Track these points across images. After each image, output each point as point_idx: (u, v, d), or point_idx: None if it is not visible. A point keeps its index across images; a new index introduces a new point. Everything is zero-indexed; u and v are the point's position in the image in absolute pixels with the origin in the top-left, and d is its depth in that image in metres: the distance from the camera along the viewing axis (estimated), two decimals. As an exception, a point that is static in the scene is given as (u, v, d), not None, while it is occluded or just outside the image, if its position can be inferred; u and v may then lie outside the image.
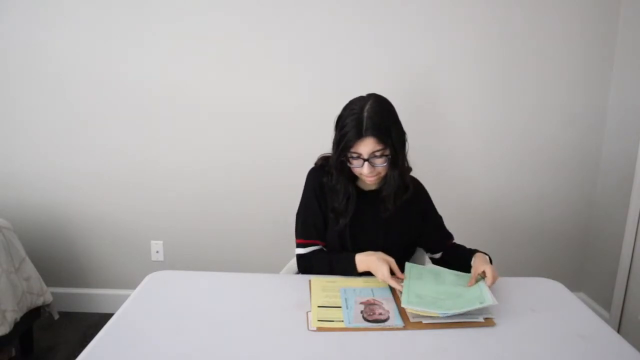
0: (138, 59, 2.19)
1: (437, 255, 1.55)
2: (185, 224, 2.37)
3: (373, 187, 1.43)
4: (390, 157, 1.30)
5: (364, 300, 1.24)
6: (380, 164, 1.30)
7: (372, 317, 1.17)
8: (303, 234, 1.45)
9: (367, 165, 1.29)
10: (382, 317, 1.17)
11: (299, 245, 1.45)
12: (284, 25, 2.16)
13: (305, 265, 1.43)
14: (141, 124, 2.25)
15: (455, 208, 2.33)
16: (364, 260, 1.34)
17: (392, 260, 1.30)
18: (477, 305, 1.13)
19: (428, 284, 1.27)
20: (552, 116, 2.29)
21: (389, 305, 1.22)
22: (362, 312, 1.19)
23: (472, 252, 1.43)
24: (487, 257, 1.39)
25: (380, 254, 1.32)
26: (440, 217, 1.56)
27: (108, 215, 2.36)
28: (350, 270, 1.36)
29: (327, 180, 1.41)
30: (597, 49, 2.22)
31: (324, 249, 1.46)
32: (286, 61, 2.20)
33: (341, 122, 1.31)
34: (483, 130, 2.29)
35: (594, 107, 2.29)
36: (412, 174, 1.49)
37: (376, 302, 1.23)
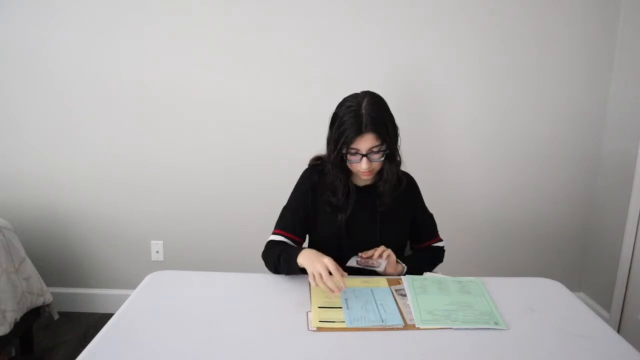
0: (138, 59, 2.19)
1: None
2: (185, 224, 2.37)
3: (367, 183, 1.44)
4: (387, 152, 1.32)
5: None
6: (377, 159, 1.32)
7: (365, 264, 1.36)
8: (281, 225, 1.46)
9: (365, 160, 1.30)
10: (375, 265, 1.35)
11: (274, 234, 1.46)
12: (282, 26, 2.16)
13: (267, 251, 1.42)
14: (141, 124, 2.25)
15: (455, 208, 2.33)
16: (306, 254, 1.26)
17: (329, 262, 1.20)
18: (492, 326, 1.13)
19: (435, 297, 1.25)
20: (552, 116, 2.29)
21: (389, 306, 1.22)
22: (357, 261, 1.37)
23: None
24: (404, 266, 1.43)
25: (320, 255, 1.24)
26: (430, 215, 1.57)
27: (108, 215, 2.36)
28: (292, 258, 1.29)
29: (322, 178, 1.42)
30: (597, 49, 2.22)
31: (289, 243, 1.44)
32: (285, 62, 2.20)
33: (338, 119, 1.31)
34: (483, 131, 2.29)
35: (594, 107, 2.29)
36: (410, 172, 1.51)
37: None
